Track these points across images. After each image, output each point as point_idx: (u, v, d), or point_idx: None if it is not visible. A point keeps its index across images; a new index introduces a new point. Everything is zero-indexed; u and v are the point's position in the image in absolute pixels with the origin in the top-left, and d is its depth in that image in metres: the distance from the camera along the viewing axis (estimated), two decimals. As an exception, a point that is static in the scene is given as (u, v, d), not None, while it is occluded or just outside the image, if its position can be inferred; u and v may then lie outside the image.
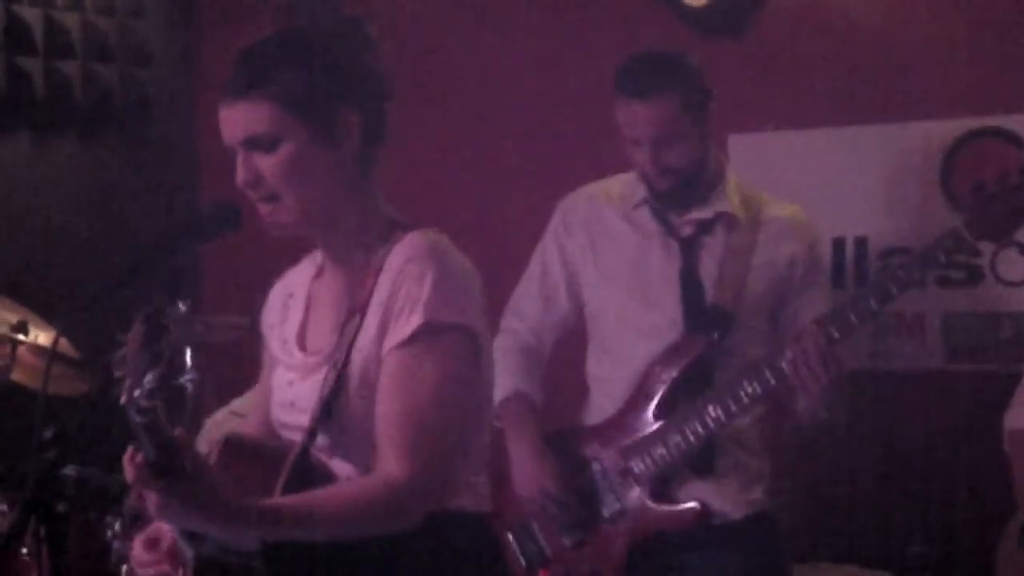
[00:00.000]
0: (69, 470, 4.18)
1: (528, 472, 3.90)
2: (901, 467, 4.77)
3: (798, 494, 4.28)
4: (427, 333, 2.61)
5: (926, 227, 4.40)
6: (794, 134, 5.01)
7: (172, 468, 2.38)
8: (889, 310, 4.69)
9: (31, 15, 5.75)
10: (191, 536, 2.58)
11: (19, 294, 4.72)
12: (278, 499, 2.60)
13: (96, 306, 2.77)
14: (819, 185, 4.79)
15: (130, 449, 2.41)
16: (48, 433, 2.86)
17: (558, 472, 3.87)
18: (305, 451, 2.71)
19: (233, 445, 2.77)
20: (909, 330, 4.82)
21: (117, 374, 2.34)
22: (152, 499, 2.42)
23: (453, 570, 2.71)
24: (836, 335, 3.58)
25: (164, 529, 2.77)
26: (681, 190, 3.82)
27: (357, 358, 2.68)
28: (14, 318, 4.53)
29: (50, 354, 3.25)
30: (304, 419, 2.73)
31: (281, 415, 2.85)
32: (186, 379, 4.68)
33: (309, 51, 2.69)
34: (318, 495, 2.58)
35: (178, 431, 2.41)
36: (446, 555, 2.68)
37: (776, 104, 5.03)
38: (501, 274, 2.91)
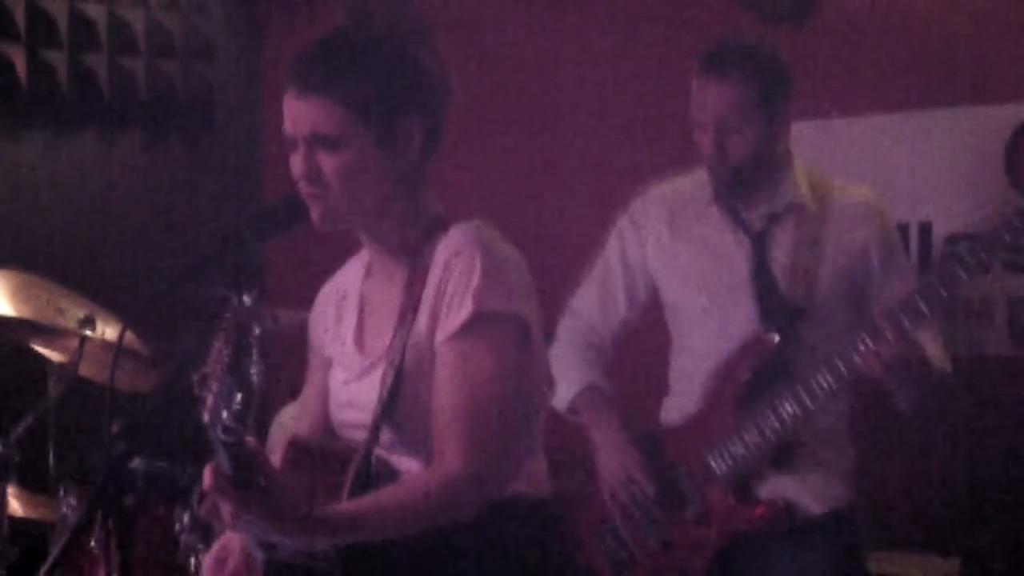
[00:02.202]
0: (137, 463, 4.21)
1: (615, 461, 3.90)
2: (966, 454, 4.75)
3: (866, 482, 4.26)
4: (478, 323, 2.63)
5: (990, 212, 4.37)
6: (856, 120, 4.99)
7: (249, 483, 2.40)
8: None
9: (95, 11, 5.81)
10: (265, 543, 2.60)
11: (86, 289, 4.74)
12: (344, 504, 2.62)
13: (162, 301, 2.79)
14: (882, 171, 4.76)
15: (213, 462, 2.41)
16: (116, 427, 2.88)
17: (644, 461, 3.86)
18: (369, 450, 2.73)
19: (299, 447, 2.79)
20: (975, 316, 4.78)
21: (199, 393, 2.35)
22: (227, 509, 2.43)
23: (517, 554, 2.73)
24: (907, 325, 3.53)
25: (231, 547, 2.81)
26: (744, 182, 3.79)
27: (412, 354, 2.70)
28: (81, 313, 4.55)
29: (117, 348, 3.26)
30: (364, 417, 2.76)
31: (340, 415, 2.88)
32: (253, 371, 4.73)
33: (381, 55, 2.70)
34: (381, 496, 2.60)
35: (254, 445, 2.40)
36: (509, 540, 2.71)
37: (838, 90, 5.01)
38: (544, 264, 2.89)
